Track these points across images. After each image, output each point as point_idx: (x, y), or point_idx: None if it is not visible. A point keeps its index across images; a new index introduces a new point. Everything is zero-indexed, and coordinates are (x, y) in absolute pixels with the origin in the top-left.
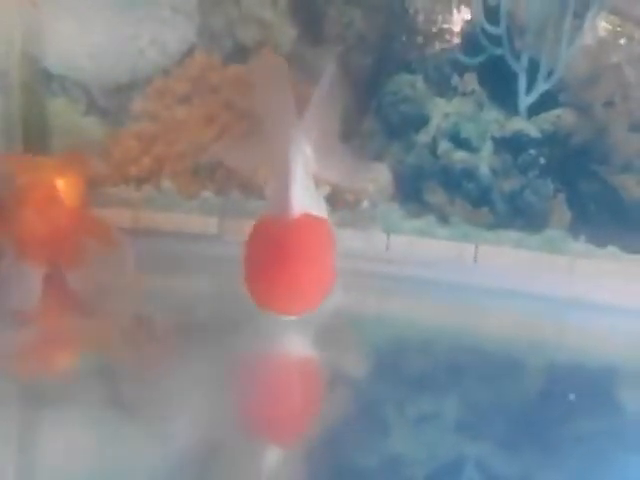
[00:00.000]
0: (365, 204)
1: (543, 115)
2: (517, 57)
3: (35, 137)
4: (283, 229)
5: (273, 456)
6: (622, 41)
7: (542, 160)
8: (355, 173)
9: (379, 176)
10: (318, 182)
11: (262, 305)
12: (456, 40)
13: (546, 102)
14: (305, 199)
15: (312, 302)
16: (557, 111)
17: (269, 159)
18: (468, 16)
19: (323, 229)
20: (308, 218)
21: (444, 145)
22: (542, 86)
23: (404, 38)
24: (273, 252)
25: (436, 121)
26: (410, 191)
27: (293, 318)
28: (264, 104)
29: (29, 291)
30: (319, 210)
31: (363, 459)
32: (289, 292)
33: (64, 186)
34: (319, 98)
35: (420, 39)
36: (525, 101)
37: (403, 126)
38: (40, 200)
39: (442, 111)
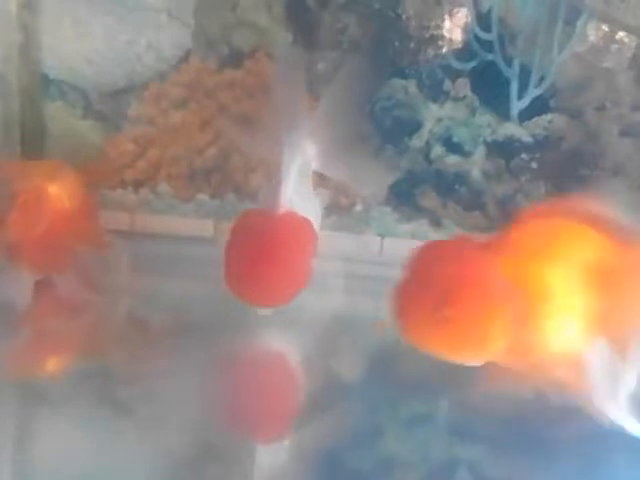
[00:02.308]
0: (359, 208)
1: (535, 120)
2: (509, 63)
3: (33, 140)
4: (264, 222)
5: (266, 455)
6: (613, 47)
7: (534, 164)
8: (367, 175)
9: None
10: (318, 186)
11: (235, 293)
12: (448, 46)
13: (538, 107)
14: (296, 198)
15: (281, 297)
16: (549, 116)
17: (269, 154)
18: (460, 22)
19: (303, 228)
20: (291, 215)
21: (437, 149)
22: (534, 91)
23: (397, 44)
24: (249, 243)
25: (429, 126)
26: (403, 195)
27: (264, 310)
28: (277, 102)
29: (20, 294)
30: (310, 212)
31: (357, 459)
32: (259, 283)
33: (54, 191)
34: (328, 101)
35: (413, 45)
36: (517, 106)
37: (396, 131)
38: (28, 205)
39: (435, 116)
